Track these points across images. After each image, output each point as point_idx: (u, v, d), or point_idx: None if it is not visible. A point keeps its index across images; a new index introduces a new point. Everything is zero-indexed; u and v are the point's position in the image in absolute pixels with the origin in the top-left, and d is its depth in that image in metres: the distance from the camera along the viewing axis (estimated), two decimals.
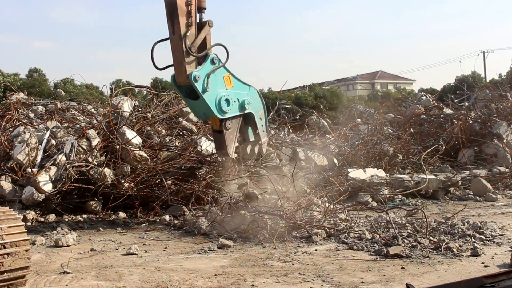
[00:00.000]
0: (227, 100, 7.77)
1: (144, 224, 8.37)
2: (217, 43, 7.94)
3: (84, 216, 8.97)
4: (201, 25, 7.78)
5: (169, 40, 7.59)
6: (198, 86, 7.46)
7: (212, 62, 7.63)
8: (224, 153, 7.84)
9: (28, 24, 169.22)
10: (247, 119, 8.16)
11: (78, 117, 10.99)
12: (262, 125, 8.32)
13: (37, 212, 8.77)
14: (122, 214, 9.03)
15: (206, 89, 7.50)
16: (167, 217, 8.40)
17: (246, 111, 7.99)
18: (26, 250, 4.47)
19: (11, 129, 10.39)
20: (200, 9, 7.83)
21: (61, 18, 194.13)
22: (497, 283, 2.65)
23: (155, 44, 7.79)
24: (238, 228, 7.31)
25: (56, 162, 8.75)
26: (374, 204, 9.50)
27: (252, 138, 8.20)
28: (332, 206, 8.21)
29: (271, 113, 14.62)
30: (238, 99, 7.93)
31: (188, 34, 7.40)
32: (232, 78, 7.99)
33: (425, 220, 6.78)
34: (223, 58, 7.67)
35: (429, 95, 17.26)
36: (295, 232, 7.01)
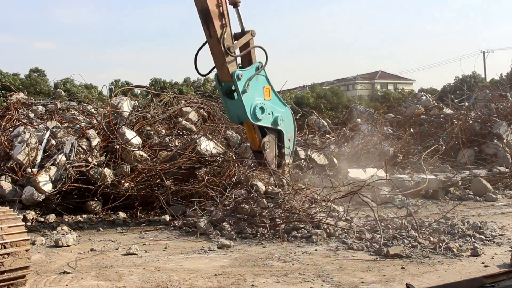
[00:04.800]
0: (262, 109, 8.17)
1: (144, 224, 8.37)
2: (258, 46, 8.33)
3: (84, 216, 8.96)
4: (243, 33, 8.22)
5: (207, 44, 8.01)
6: (239, 85, 7.84)
7: (257, 69, 8.09)
8: (265, 169, 8.18)
9: (29, 25, 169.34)
10: (277, 138, 8.48)
11: (78, 117, 11.00)
12: (289, 147, 8.55)
13: (37, 212, 8.76)
14: (122, 214, 9.02)
15: (246, 90, 7.90)
16: (167, 217, 8.40)
17: (278, 127, 8.34)
18: (26, 250, 4.47)
19: (11, 129, 10.38)
20: (235, 4, 8.26)
21: (62, 19, 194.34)
22: (497, 283, 2.65)
23: (198, 51, 8.40)
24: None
25: (56, 162, 8.74)
26: (374, 204, 9.46)
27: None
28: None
29: None
30: (272, 113, 8.30)
31: (225, 35, 7.79)
32: (271, 92, 8.41)
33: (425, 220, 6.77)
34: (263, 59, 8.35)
35: (429, 95, 17.25)
36: (295, 232, 7.00)
